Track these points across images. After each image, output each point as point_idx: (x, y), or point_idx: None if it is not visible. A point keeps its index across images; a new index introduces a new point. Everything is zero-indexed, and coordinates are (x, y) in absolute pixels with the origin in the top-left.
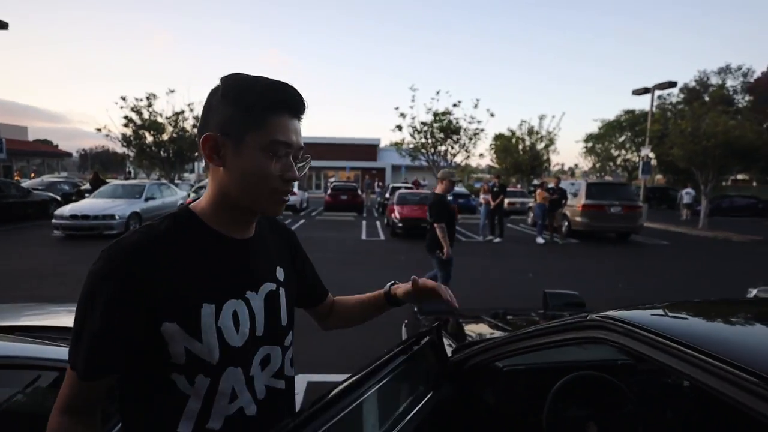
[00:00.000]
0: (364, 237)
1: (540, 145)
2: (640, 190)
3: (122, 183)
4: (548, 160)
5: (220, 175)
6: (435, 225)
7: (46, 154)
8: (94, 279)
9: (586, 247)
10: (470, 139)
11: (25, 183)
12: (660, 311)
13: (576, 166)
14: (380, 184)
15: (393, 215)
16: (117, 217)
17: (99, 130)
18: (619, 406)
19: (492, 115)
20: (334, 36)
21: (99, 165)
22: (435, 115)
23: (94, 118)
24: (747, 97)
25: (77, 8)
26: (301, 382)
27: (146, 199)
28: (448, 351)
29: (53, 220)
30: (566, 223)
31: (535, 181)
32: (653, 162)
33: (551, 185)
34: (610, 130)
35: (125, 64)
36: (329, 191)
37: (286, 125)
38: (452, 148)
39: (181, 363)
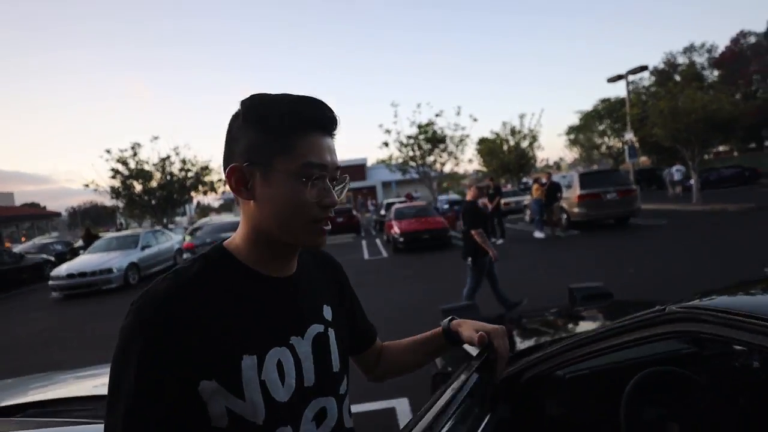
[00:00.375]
0: (366, 256)
1: (524, 143)
2: (629, 174)
3: (116, 235)
4: (533, 156)
5: (252, 209)
6: (472, 232)
7: (34, 216)
8: (125, 336)
9: (588, 236)
10: (456, 146)
11: (17, 248)
12: (743, 294)
13: (561, 159)
14: (374, 202)
15: (392, 231)
16: (114, 270)
17: (87, 185)
18: (695, 400)
19: (475, 120)
20: (307, 59)
21: (89, 221)
22: (419, 127)
23: (80, 175)
24: (715, 72)
25: (55, 71)
26: None
27: (142, 248)
28: None
29: (50, 282)
30: (565, 216)
31: (525, 179)
32: (636, 145)
33: (543, 180)
34: (590, 119)
35: (108, 118)
36: None
37: (319, 144)
38: (440, 157)
39: (223, 426)
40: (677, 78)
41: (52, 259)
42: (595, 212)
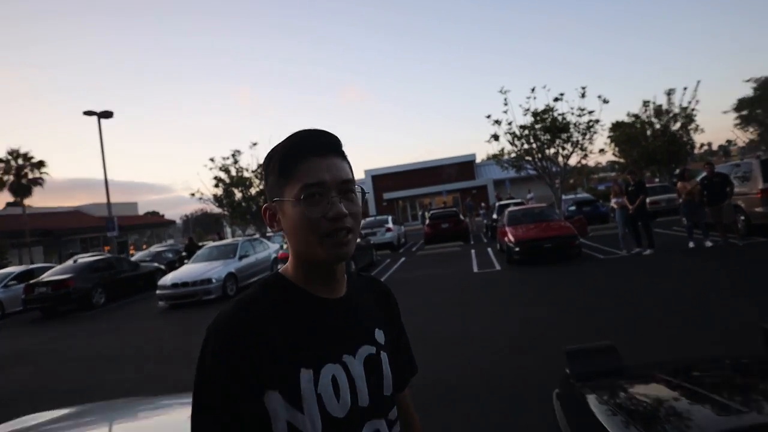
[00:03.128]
0: (476, 269)
1: (675, 126)
2: None
3: (216, 244)
4: (689, 141)
5: (287, 237)
6: None
7: (153, 225)
8: (202, 352)
9: None
10: (583, 134)
11: (135, 256)
12: None
13: (728, 143)
14: (484, 204)
15: (506, 239)
16: (213, 281)
17: (193, 194)
18: None
19: (605, 101)
20: (407, 56)
21: (200, 228)
22: (534, 115)
23: (191, 184)
24: None
25: (170, 85)
26: None
27: (240, 258)
28: None
29: (157, 291)
30: (742, 218)
31: (678, 171)
32: None
33: (704, 174)
34: None
35: (218, 127)
36: (427, 221)
37: (315, 166)
38: (563, 149)
39: None
40: None
41: (163, 267)
42: None
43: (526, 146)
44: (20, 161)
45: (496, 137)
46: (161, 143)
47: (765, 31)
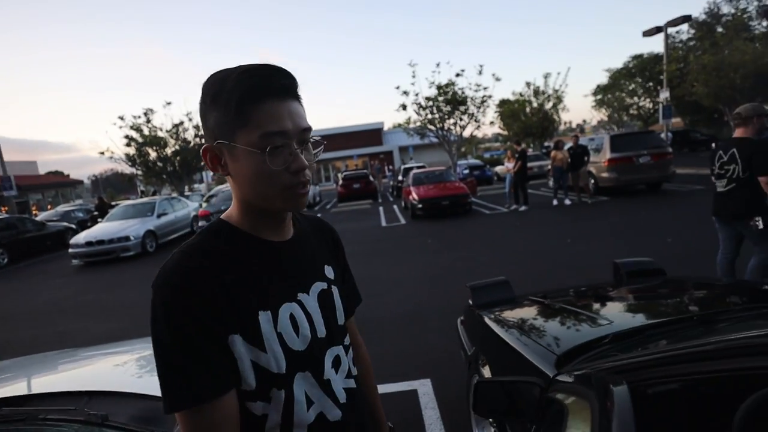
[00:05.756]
0: (384, 224)
1: (548, 105)
2: (664, 135)
3: (133, 203)
4: (557, 119)
5: (233, 183)
6: (764, 178)
7: (58, 185)
8: (158, 314)
9: (618, 203)
10: (478, 107)
11: (40, 216)
12: None
13: (584, 121)
14: (390, 167)
15: (411, 197)
16: (132, 238)
17: (102, 153)
18: None
19: (498, 79)
20: (320, 23)
21: (111, 188)
22: (438, 88)
23: (99, 143)
24: (764, 23)
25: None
26: None
27: (158, 216)
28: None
29: (70, 250)
30: (592, 181)
31: (548, 143)
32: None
33: (570, 145)
34: (620, 78)
35: (123, 83)
36: (341, 182)
37: (276, 111)
38: (461, 120)
39: (252, 388)
40: (720, 30)
41: (74, 226)
42: (626, 177)
43: (429, 116)
44: None
45: (404, 107)
46: (65, 97)
47: (623, 29)
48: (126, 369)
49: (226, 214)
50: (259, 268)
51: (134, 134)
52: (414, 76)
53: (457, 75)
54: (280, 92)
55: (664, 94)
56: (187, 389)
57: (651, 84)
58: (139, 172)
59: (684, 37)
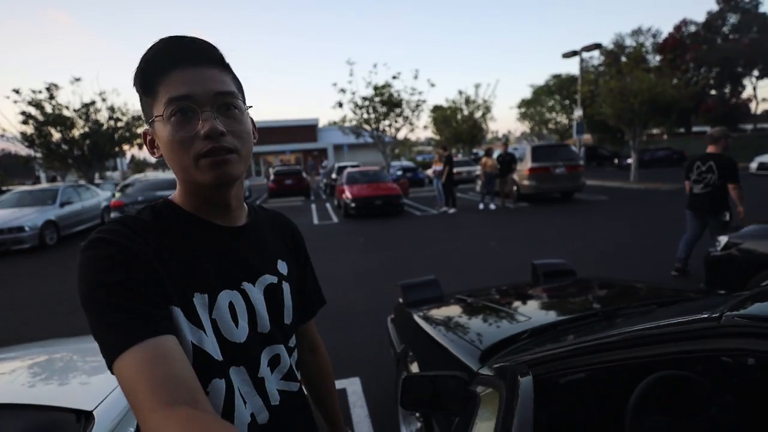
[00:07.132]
0: (316, 221)
1: (477, 114)
2: (577, 150)
3: (30, 189)
4: (485, 127)
5: (168, 163)
6: (734, 186)
7: None
8: (93, 249)
9: (537, 209)
10: (413, 111)
11: None
12: None
13: (509, 132)
14: (323, 165)
15: (344, 196)
16: (27, 228)
17: None
18: (705, 408)
19: (432, 85)
20: (260, 11)
21: (2, 171)
22: (375, 88)
23: None
24: (657, 57)
25: None
26: None
27: (62, 205)
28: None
29: None
30: (515, 188)
31: (476, 150)
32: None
33: (499, 152)
34: (541, 94)
35: (24, 56)
36: (272, 177)
37: (181, 78)
38: (395, 121)
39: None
40: (624, 59)
41: None
42: (544, 185)
43: (365, 116)
44: None
45: (340, 104)
46: None
47: (548, 47)
48: (14, 377)
49: (172, 195)
50: (200, 249)
51: (33, 111)
52: (351, 75)
53: (394, 77)
54: (190, 59)
55: (578, 112)
56: (126, 334)
57: (567, 102)
58: (38, 155)
59: (596, 62)
